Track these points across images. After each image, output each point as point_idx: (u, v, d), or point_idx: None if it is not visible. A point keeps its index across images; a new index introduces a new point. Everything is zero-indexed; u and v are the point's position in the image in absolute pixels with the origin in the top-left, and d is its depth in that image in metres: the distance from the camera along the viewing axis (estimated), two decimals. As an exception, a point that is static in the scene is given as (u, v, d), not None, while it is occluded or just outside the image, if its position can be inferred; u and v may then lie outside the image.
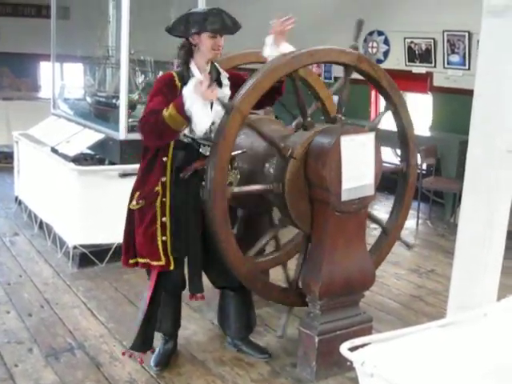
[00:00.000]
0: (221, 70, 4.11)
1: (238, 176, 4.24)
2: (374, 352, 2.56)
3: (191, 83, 3.80)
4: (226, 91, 4.06)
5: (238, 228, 4.84)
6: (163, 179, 4.02)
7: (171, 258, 4.09)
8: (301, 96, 4.26)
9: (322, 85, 5.21)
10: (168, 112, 3.74)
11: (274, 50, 4.17)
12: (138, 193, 4.10)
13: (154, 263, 4.10)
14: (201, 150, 4.03)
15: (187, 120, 3.77)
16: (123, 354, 4.39)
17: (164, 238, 4.06)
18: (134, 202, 4.09)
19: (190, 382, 4.22)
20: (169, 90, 3.94)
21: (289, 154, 4.11)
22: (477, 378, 2.65)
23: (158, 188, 4.03)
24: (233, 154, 4.07)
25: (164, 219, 4.05)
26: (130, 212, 4.18)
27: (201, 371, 4.35)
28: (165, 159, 3.99)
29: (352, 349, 2.57)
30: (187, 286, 4.34)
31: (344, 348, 2.54)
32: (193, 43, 3.97)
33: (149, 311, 4.22)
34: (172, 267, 4.11)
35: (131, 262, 4.23)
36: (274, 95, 4.24)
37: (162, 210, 4.05)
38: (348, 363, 2.52)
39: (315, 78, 5.21)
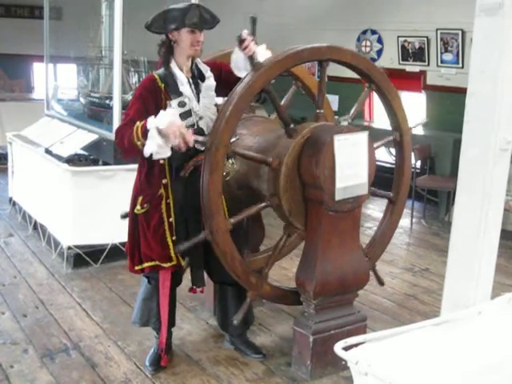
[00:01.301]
0: (201, 64, 4.13)
1: (236, 166, 4.22)
2: (368, 351, 2.56)
3: (168, 115, 3.74)
4: (210, 82, 4.09)
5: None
6: (164, 181, 4.06)
7: (180, 256, 4.15)
8: (279, 106, 4.22)
9: (311, 79, 5.19)
10: (135, 130, 3.76)
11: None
12: (141, 197, 4.11)
13: (166, 265, 4.14)
14: (196, 146, 4.04)
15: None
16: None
17: (174, 237, 4.11)
18: (139, 207, 4.10)
19: (185, 381, 4.22)
20: (150, 93, 3.97)
21: (278, 165, 4.12)
22: (471, 376, 2.66)
23: (162, 191, 4.07)
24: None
25: (171, 220, 4.10)
26: (134, 217, 4.18)
27: (196, 371, 4.35)
28: (162, 162, 4.00)
29: (346, 348, 2.58)
30: (182, 284, 4.39)
31: (338, 347, 2.55)
32: (172, 40, 4.00)
33: (170, 312, 4.33)
34: (183, 264, 4.19)
35: (137, 268, 4.24)
36: None
37: (167, 211, 4.09)
38: (343, 362, 2.52)
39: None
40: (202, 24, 3.96)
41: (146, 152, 3.76)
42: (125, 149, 3.88)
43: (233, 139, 4.13)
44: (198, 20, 3.93)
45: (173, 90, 4.00)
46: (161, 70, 4.03)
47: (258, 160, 4.19)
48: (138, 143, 3.75)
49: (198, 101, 4.07)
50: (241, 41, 3.94)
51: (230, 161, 4.18)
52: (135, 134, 3.74)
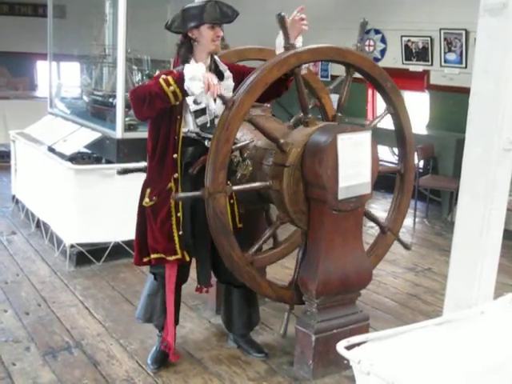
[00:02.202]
0: (220, 63, 4.12)
1: (250, 168, 4.23)
2: (371, 350, 2.56)
3: (198, 66, 3.82)
4: (229, 82, 4.09)
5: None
6: (175, 176, 4.08)
7: (185, 251, 4.16)
8: (302, 92, 4.23)
9: (320, 84, 5.22)
10: (164, 78, 3.79)
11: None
12: (149, 190, 4.13)
13: (170, 258, 4.14)
14: (207, 144, 4.06)
15: (182, 92, 3.79)
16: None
17: (181, 232, 4.12)
18: (147, 199, 4.12)
19: (187, 380, 4.22)
20: None
21: (289, 149, 4.12)
22: (474, 376, 2.65)
23: (171, 184, 4.08)
24: (240, 144, 4.08)
25: (179, 214, 4.11)
26: (142, 209, 4.20)
27: (198, 370, 4.35)
28: (175, 156, 4.04)
29: (349, 347, 2.58)
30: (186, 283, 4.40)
31: (340, 346, 2.55)
32: (192, 38, 4.01)
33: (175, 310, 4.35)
34: (187, 259, 4.19)
35: (145, 260, 4.26)
36: (280, 88, 4.25)
37: (176, 205, 4.10)
38: (345, 361, 2.52)
39: (314, 78, 5.23)
40: (222, 18, 3.99)
41: (194, 90, 3.76)
42: (144, 100, 3.80)
43: (246, 142, 4.15)
44: (219, 15, 3.96)
45: None
46: (180, 68, 4.03)
47: (273, 137, 4.16)
48: (170, 88, 3.76)
49: (215, 99, 4.07)
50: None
51: (246, 162, 4.18)
52: (163, 82, 3.76)
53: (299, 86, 4.18)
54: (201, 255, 4.28)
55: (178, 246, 4.13)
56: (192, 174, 4.09)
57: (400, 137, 4.75)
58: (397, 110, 4.65)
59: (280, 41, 4.14)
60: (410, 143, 4.75)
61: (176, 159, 4.05)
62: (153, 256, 4.18)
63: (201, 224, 4.15)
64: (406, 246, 5.04)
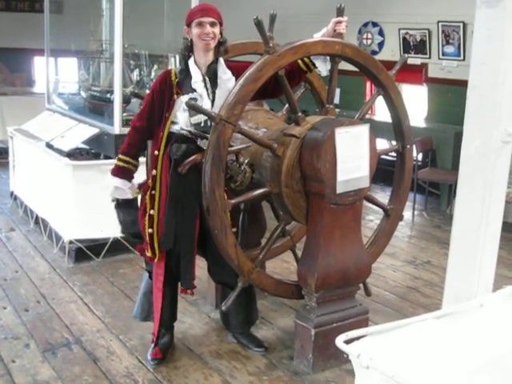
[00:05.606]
0: (221, 66, 4.09)
1: (249, 174, 4.20)
2: (370, 344, 2.55)
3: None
4: (228, 85, 4.03)
5: (242, 220, 4.87)
6: (154, 172, 4.08)
7: (157, 251, 4.14)
8: (289, 93, 4.21)
9: (316, 76, 5.19)
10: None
11: None
12: (144, 180, 4.24)
13: (147, 253, 4.18)
14: (199, 144, 4.04)
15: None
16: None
17: (150, 230, 4.11)
18: (137, 189, 4.24)
19: (187, 375, 4.22)
20: (163, 86, 4.03)
21: (282, 153, 4.11)
22: (473, 370, 2.65)
23: (149, 181, 4.10)
24: (234, 148, 4.08)
25: (152, 212, 4.10)
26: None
27: (198, 365, 4.35)
28: (156, 153, 4.04)
29: (348, 341, 2.57)
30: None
31: (340, 340, 2.54)
32: (189, 38, 4.05)
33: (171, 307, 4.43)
34: (156, 260, 4.17)
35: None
36: (301, 75, 4.32)
37: (151, 202, 4.11)
38: (345, 355, 2.51)
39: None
40: (205, 14, 3.97)
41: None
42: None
43: (244, 145, 4.15)
44: (201, 13, 3.96)
45: (186, 85, 4.02)
46: (179, 66, 4.13)
47: (265, 144, 4.17)
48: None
49: (214, 100, 4.05)
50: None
51: (245, 169, 4.15)
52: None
53: (285, 89, 4.15)
54: (184, 257, 4.20)
55: (149, 244, 4.15)
56: (181, 173, 4.00)
57: (394, 117, 4.76)
58: (386, 88, 4.64)
59: (317, 35, 4.25)
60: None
61: (157, 156, 4.05)
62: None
63: (185, 224, 4.14)
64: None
